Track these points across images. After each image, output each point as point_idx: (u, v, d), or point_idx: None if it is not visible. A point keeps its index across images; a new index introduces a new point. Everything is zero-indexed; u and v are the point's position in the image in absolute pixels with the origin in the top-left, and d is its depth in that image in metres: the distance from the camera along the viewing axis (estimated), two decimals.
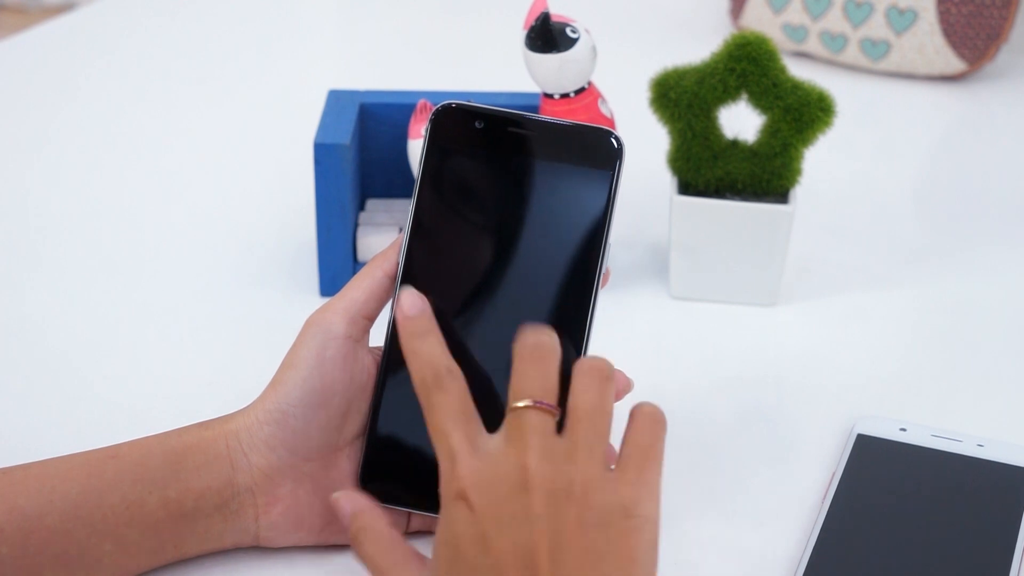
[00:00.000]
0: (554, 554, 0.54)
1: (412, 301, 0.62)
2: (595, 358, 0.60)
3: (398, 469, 0.67)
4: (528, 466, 0.56)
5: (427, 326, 0.61)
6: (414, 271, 0.67)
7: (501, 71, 1.01)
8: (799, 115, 0.84)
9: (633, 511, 0.56)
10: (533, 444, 0.56)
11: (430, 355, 0.60)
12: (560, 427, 0.58)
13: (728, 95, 0.84)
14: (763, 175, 0.85)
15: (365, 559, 0.59)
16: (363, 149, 0.91)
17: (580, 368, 0.59)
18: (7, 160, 1.07)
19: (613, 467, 0.58)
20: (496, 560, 0.54)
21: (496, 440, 0.58)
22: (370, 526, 0.60)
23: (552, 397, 0.58)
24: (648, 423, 0.59)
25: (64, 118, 1.13)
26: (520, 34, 0.83)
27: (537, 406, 0.57)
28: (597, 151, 0.67)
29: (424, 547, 0.67)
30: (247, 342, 0.84)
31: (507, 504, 0.55)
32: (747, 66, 0.83)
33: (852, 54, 1.19)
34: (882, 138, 1.15)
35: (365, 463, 0.67)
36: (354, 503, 0.61)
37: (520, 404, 0.58)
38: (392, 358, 0.67)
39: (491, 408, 0.63)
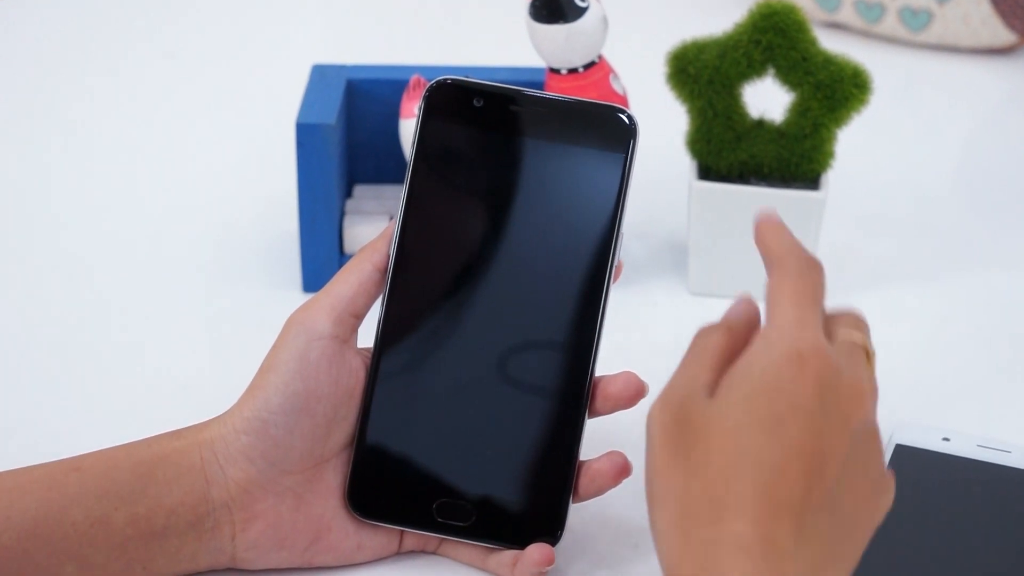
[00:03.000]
0: (841, 473, 0.54)
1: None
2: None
3: (389, 482, 0.67)
4: (866, 386, 0.57)
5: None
6: (407, 264, 0.67)
7: (502, 44, 1.01)
8: (831, 92, 0.84)
9: None
10: (870, 375, 0.59)
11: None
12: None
13: (753, 70, 0.84)
14: (791, 158, 0.86)
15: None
16: (350, 130, 0.91)
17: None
18: None
19: None
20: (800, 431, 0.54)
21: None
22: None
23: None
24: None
25: (23, 96, 1.13)
26: (523, 3, 0.82)
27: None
28: (608, 131, 0.67)
29: (418, 569, 0.68)
30: (223, 343, 0.84)
31: (834, 399, 0.56)
32: (774, 38, 0.84)
33: (890, 24, 1.19)
34: (923, 117, 1.15)
35: (353, 476, 0.67)
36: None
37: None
38: (382, 360, 0.67)
39: (499, 401, 0.65)
